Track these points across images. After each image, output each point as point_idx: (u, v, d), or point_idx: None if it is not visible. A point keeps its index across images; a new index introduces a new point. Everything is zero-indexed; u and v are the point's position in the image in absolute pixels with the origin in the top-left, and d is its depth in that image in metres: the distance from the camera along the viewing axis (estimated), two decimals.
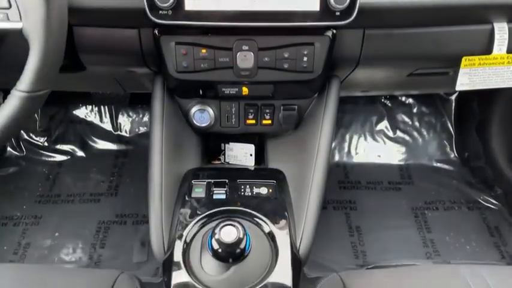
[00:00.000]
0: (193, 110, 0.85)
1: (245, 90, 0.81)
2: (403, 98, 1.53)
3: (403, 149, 1.52)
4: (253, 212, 0.74)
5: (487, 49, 0.79)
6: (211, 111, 0.85)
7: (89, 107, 1.53)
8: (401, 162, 1.49)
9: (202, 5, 0.69)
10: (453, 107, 1.51)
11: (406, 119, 1.53)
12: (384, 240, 1.24)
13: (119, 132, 1.52)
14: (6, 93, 0.80)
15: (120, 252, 1.19)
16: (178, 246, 0.69)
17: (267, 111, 0.86)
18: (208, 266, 0.65)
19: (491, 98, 1.32)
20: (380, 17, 0.74)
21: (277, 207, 0.76)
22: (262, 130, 0.89)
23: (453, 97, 1.50)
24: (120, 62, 0.85)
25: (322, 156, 0.81)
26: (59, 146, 1.49)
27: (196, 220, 0.72)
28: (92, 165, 1.44)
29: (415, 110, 1.53)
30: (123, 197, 1.36)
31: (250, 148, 0.91)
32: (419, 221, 1.28)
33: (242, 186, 0.80)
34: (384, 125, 1.53)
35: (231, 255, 0.64)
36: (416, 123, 1.53)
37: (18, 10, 0.57)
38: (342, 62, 0.83)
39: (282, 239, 0.71)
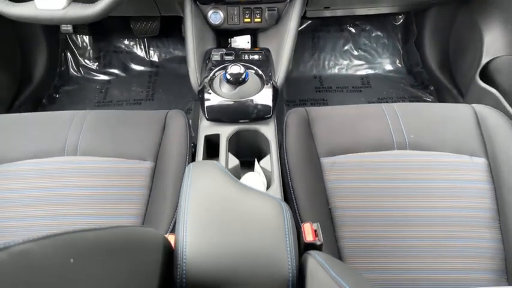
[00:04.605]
0: (210, 12, 1.25)
1: None
2: (364, 26, 1.94)
3: (364, 64, 1.93)
4: (250, 65, 1.13)
5: None
6: (221, 13, 1.25)
7: (128, 41, 1.95)
8: (363, 73, 1.90)
9: None
10: (399, 31, 1.94)
11: (366, 41, 1.94)
12: None
13: (151, 59, 1.94)
14: None
15: None
16: (207, 81, 1.09)
17: (257, 12, 1.25)
18: (225, 88, 1.06)
19: (424, 20, 1.77)
20: None
21: (264, 63, 1.16)
22: (255, 26, 1.27)
23: (399, 23, 1.93)
24: None
25: (291, 36, 1.22)
26: (107, 69, 1.92)
27: (216, 69, 1.13)
28: (133, 82, 1.87)
29: (373, 35, 1.94)
30: (158, 101, 1.79)
31: (248, 38, 1.33)
32: None
33: (243, 54, 1.19)
34: (349, 46, 1.94)
35: (237, 81, 1.03)
36: (374, 44, 1.94)
37: None
38: None
39: (266, 77, 1.10)
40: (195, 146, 1.08)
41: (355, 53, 1.96)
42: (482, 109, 1.08)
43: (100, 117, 1.10)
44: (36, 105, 1.76)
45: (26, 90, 1.72)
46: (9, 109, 1.62)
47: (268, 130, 1.07)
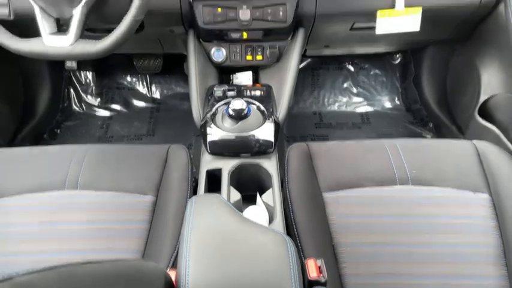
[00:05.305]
0: (213, 50, 1.27)
1: (245, 35, 1.22)
2: (362, 64, 1.98)
3: (363, 101, 1.96)
4: (251, 100, 1.15)
5: (392, 5, 1.23)
6: (224, 50, 1.27)
7: (130, 78, 1.99)
8: (362, 111, 1.93)
9: None
10: (397, 69, 1.99)
11: (365, 79, 1.98)
12: None
13: (152, 95, 1.98)
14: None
15: None
16: (209, 115, 1.10)
17: (259, 50, 1.27)
18: (227, 123, 1.07)
19: (421, 59, 1.81)
20: None
21: (266, 98, 1.17)
22: (256, 63, 1.29)
23: (397, 62, 1.98)
24: (166, 21, 1.29)
25: (291, 75, 1.24)
26: (109, 105, 1.94)
27: (218, 104, 1.14)
28: (134, 118, 1.89)
29: (371, 73, 1.99)
30: (158, 136, 1.80)
31: (250, 74, 1.34)
32: None
33: (245, 90, 1.20)
34: (348, 84, 1.98)
35: (239, 116, 1.04)
36: (373, 82, 1.98)
37: None
38: (305, 17, 1.25)
39: (268, 112, 1.11)
40: (196, 181, 1.08)
41: (354, 90, 1.99)
42: (483, 145, 1.09)
43: (102, 151, 1.11)
44: (37, 140, 1.77)
45: (28, 125, 1.74)
46: (10, 143, 1.63)
47: (270, 164, 1.07)
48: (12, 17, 1.03)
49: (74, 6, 0.94)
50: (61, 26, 1.01)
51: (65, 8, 0.94)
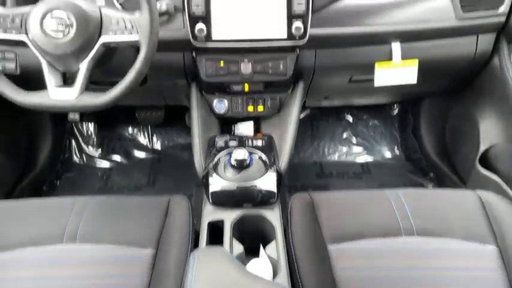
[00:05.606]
0: (215, 101, 1.30)
1: (246, 87, 1.25)
2: (361, 115, 2.01)
3: (363, 151, 1.97)
4: (253, 150, 1.15)
5: (390, 58, 1.26)
6: (226, 102, 1.30)
7: (132, 129, 2.01)
8: (362, 161, 1.94)
9: (222, 35, 1.13)
10: (396, 120, 2.02)
11: (364, 130, 2.00)
12: None
13: (153, 147, 1.98)
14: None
15: None
16: (211, 165, 1.10)
17: (260, 101, 1.30)
18: (229, 172, 1.07)
19: (419, 109, 1.84)
20: (322, 42, 1.22)
21: (267, 148, 1.18)
22: (257, 114, 1.31)
23: (395, 113, 2.01)
24: (169, 75, 1.32)
25: (292, 125, 1.26)
26: (109, 156, 1.95)
27: (220, 154, 1.14)
28: (134, 169, 1.89)
29: (370, 124, 2.01)
30: (159, 188, 1.79)
31: (251, 124, 1.36)
32: None
33: (247, 140, 1.22)
34: (348, 134, 2.00)
35: (241, 165, 1.05)
36: (372, 133, 2.00)
37: (136, 29, 0.92)
38: (304, 70, 1.29)
39: (270, 161, 1.11)
40: (196, 233, 1.06)
41: (354, 140, 2.01)
42: (487, 195, 1.09)
43: (101, 203, 1.09)
44: (36, 191, 1.76)
45: (28, 176, 1.73)
46: (9, 194, 1.61)
47: (273, 215, 1.06)
48: (18, 72, 1.05)
49: (81, 61, 0.97)
50: (67, 79, 1.02)
51: (72, 63, 0.96)
